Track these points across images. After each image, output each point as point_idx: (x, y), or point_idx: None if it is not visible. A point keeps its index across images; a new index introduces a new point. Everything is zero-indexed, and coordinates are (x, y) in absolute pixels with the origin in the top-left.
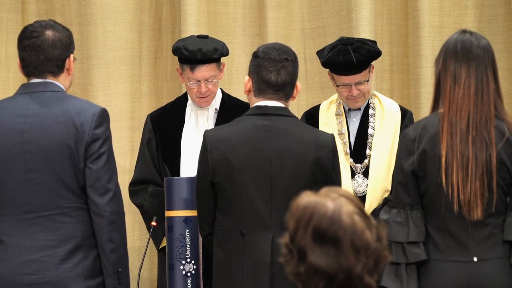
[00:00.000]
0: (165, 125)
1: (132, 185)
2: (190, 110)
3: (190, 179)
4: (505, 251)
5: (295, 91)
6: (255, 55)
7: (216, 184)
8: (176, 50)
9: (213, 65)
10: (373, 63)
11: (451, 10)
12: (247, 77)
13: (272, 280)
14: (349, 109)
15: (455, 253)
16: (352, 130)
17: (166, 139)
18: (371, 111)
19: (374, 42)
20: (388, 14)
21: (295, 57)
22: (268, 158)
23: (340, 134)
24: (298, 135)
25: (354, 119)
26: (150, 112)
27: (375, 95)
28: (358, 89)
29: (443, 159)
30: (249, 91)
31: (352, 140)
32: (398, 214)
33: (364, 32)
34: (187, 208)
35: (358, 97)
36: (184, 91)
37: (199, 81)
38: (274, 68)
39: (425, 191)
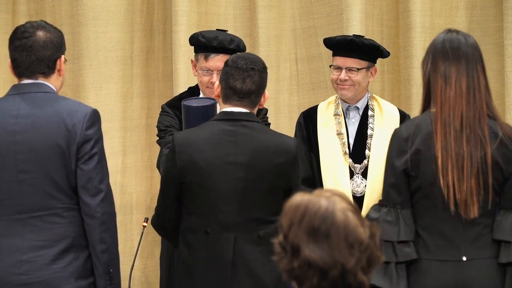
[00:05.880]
0: (180, 112)
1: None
2: None
3: (205, 107)
4: (494, 251)
5: (262, 99)
6: (226, 64)
7: (183, 184)
8: (192, 38)
9: (227, 57)
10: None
11: (442, 11)
12: (217, 83)
13: (234, 276)
14: (347, 109)
15: (445, 252)
16: (351, 131)
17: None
18: (370, 112)
19: (388, 52)
20: (379, 14)
21: (263, 68)
22: (233, 162)
23: (339, 134)
24: (262, 140)
25: (353, 120)
26: (164, 103)
27: (375, 98)
28: (348, 76)
29: (439, 160)
30: (218, 96)
31: (351, 141)
32: (389, 213)
33: (355, 32)
34: None
35: (345, 84)
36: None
37: (212, 71)
38: (240, 76)
39: (416, 190)
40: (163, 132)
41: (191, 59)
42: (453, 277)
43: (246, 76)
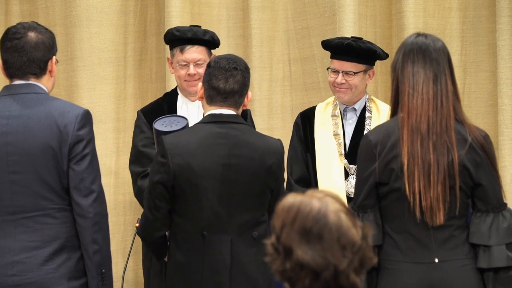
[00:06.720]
0: (156, 117)
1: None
2: (181, 102)
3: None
4: (466, 252)
5: (245, 99)
6: (208, 65)
7: (176, 187)
8: (167, 34)
9: (203, 49)
10: (374, 68)
11: (435, 12)
12: (200, 84)
13: (231, 280)
14: (345, 110)
15: (417, 254)
16: (348, 132)
17: None
18: (367, 114)
19: (386, 54)
20: (372, 15)
21: (246, 68)
22: (227, 164)
23: (336, 135)
24: (252, 143)
25: (350, 121)
26: (140, 109)
27: (372, 100)
28: (345, 79)
29: (405, 167)
30: (202, 97)
31: (348, 142)
32: None
33: (348, 33)
34: None
35: (342, 87)
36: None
37: (188, 63)
38: (223, 76)
39: (385, 195)
40: (137, 164)
41: (167, 57)
42: (426, 278)
43: (229, 75)
